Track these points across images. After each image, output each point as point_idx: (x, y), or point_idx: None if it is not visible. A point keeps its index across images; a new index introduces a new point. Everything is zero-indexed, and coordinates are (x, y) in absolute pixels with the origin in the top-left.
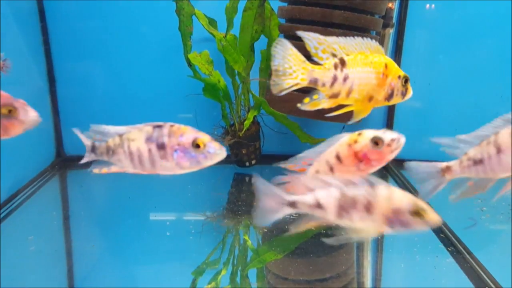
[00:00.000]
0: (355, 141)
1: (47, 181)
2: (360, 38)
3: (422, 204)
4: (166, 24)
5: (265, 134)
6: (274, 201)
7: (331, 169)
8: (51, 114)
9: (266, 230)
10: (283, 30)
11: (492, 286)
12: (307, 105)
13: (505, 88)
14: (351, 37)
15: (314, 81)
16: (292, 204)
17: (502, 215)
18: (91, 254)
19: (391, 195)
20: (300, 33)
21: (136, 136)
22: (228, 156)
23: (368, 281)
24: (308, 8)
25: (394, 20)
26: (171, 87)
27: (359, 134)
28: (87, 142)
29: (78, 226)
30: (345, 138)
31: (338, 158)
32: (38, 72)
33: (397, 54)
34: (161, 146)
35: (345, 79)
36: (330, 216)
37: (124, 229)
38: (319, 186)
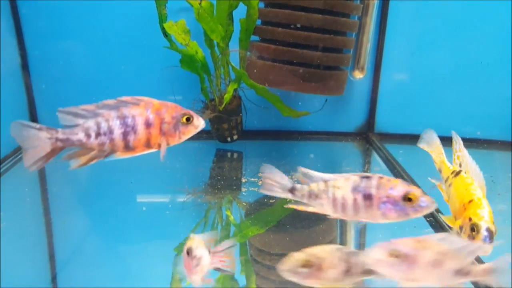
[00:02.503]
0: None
1: (21, 159)
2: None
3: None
4: None
5: (247, 108)
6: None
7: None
8: (25, 93)
9: (245, 204)
10: None
11: None
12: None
13: (487, 54)
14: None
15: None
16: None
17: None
18: (70, 232)
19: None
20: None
21: (342, 185)
22: (208, 132)
23: None
24: None
25: None
26: (148, 60)
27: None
28: (288, 183)
29: (56, 203)
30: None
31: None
32: (9, 51)
33: (381, 25)
34: (368, 197)
35: (450, 184)
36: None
37: (104, 205)
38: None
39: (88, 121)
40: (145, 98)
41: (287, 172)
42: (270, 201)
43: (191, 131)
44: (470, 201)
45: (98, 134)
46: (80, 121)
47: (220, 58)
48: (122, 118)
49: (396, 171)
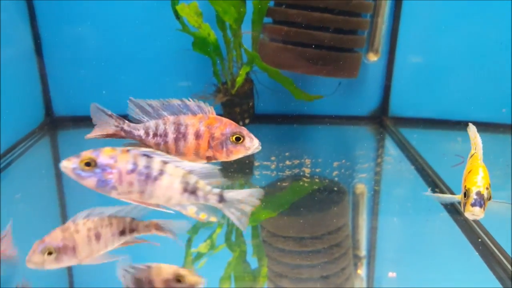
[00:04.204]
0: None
1: (37, 142)
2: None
3: None
4: None
5: (259, 92)
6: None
7: None
8: (38, 75)
9: (258, 187)
10: None
11: (485, 238)
12: None
13: (505, 36)
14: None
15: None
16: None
17: (500, 170)
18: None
19: None
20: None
21: None
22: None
23: (363, 237)
24: None
25: None
26: (161, 44)
27: None
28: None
29: (70, 185)
30: None
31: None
32: (22, 33)
33: (397, 6)
34: None
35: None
36: None
37: None
38: None
39: (150, 121)
40: (206, 108)
41: (299, 156)
42: (283, 184)
43: (240, 151)
44: (469, 171)
45: (155, 135)
46: (144, 116)
47: (232, 41)
48: (177, 125)
49: (410, 155)
